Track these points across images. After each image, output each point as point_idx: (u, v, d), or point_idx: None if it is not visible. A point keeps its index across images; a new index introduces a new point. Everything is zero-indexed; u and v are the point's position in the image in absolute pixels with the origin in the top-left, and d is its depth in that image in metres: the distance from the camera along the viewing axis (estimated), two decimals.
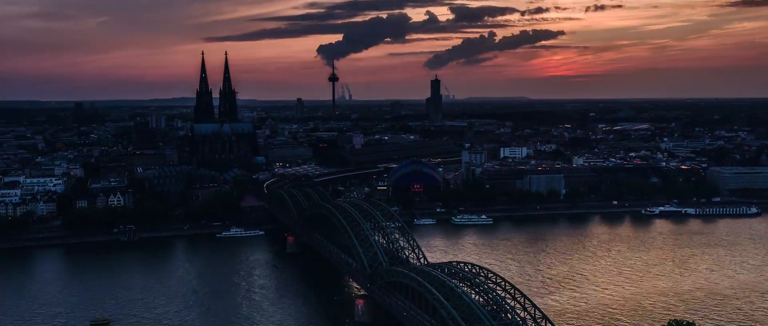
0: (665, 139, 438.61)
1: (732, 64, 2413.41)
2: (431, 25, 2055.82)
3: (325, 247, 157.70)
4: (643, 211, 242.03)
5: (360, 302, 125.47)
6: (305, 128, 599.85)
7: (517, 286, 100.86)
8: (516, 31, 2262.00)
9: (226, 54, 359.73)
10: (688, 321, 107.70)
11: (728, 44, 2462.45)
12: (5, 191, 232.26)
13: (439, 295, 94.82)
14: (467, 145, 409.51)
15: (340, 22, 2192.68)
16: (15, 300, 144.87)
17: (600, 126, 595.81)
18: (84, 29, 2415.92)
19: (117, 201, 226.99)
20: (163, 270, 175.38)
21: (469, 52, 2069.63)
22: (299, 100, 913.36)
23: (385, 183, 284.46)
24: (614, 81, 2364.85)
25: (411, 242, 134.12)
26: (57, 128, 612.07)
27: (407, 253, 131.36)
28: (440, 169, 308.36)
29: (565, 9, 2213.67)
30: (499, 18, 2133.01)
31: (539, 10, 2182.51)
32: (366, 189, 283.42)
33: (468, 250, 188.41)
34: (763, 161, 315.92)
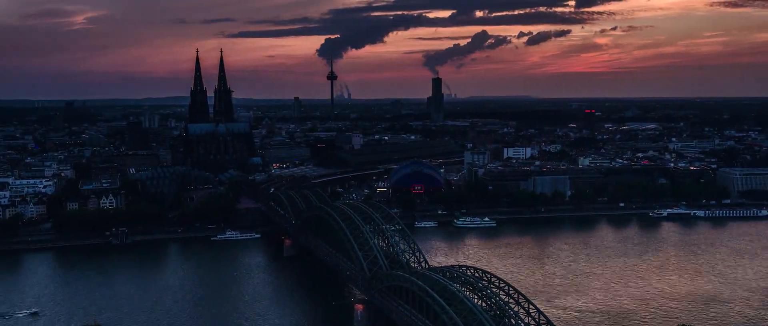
0: (673, 139, 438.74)
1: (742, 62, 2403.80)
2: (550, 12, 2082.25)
3: (324, 250, 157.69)
4: (650, 214, 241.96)
5: (359, 307, 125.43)
6: (303, 128, 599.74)
7: (521, 291, 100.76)
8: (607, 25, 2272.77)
9: (221, 52, 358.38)
10: None
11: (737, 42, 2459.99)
12: None
13: (440, 300, 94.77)
14: (469, 146, 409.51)
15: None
16: (4, 305, 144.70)
17: (606, 126, 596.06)
18: (75, 25, 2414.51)
19: (109, 203, 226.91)
20: (156, 274, 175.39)
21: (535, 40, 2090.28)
22: (297, 99, 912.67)
23: (385, 185, 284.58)
24: (623, 78, 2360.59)
25: (412, 245, 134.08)
26: (47, 128, 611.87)
27: (408, 257, 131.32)
28: (442, 170, 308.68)
29: None
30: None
31: None
32: (365, 190, 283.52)
33: (470, 253, 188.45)
34: None
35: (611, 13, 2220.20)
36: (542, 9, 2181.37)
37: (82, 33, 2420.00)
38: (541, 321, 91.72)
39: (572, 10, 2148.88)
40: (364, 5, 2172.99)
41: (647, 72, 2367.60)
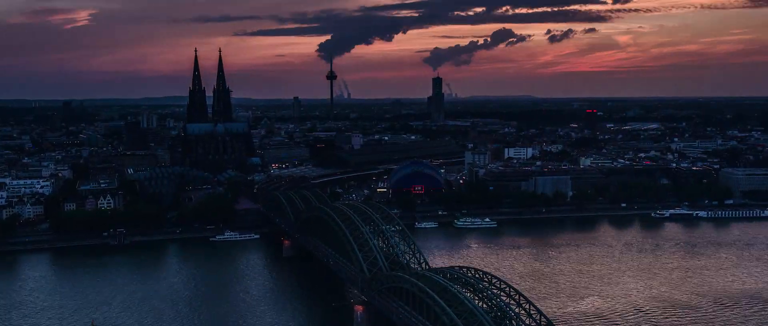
0: (676, 139, 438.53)
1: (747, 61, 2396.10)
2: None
3: (323, 251, 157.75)
4: (652, 214, 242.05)
5: (359, 308, 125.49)
6: (302, 128, 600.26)
7: (522, 292, 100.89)
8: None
9: (220, 51, 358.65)
10: None
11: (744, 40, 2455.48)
12: None
13: (441, 301, 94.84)
14: (470, 146, 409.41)
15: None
16: (1, 307, 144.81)
17: (608, 125, 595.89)
18: (74, 23, 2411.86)
19: (107, 203, 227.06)
20: (154, 275, 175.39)
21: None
22: (296, 98, 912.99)
23: (385, 185, 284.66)
24: (628, 77, 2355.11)
25: (412, 246, 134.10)
26: (44, 127, 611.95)
27: (408, 258, 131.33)
28: (442, 171, 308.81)
29: None
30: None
31: None
32: (365, 191, 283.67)
33: (471, 254, 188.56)
34: None
35: (648, 10, 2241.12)
36: (577, 7, 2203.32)
37: (82, 31, 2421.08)
38: (542, 323, 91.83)
39: (609, 7, 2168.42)
40: (396, 2, 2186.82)
41: (662, 71, 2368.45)
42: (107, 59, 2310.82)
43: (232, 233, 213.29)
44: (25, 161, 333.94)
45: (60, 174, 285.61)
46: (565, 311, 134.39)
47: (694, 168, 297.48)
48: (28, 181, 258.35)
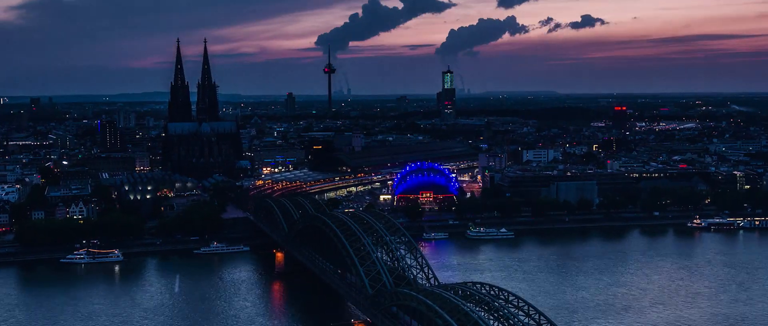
0: (715, 140, 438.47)
1: None
2: None
3: (320, 265, 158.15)
4: (688, 224, 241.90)
5: None
6: (297, 127, 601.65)
7: (542, 311, 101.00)
8: None
9: (205, 42, 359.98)
10: None
11: None
12: None
13: (452, 321, 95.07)
14: (485, 147, 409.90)
15: None
16: None
17: (639, 125, 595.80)
18: (39, 12, 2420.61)
19: (79, 212, 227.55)
20: (132, 292, 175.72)
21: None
22: (290, 94, 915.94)
23: (390, 191, 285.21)
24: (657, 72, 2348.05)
25: (419, 259, 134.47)
26: (9, 127, 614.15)
27: (415, 272, 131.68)
28: (453, 175, 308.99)
29: None
30: None
31: None
32: (367, 198, 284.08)
33: (485, 269, 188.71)
34: None
35: None
36: None
37: (48, 20, 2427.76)
38: None
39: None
40: None
41: (700, 63, 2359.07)
42: (79, 51, 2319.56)
43: (218, 245, 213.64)
44: None
45: (27, 180, 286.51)
46: None
47: (736, 172, 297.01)
48: None
